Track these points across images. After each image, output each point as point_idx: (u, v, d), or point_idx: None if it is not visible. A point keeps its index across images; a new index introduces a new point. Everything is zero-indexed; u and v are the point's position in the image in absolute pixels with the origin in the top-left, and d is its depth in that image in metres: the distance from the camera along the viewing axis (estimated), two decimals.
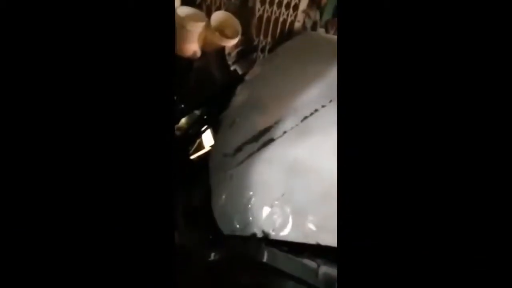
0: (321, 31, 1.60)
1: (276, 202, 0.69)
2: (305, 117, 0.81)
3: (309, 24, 1.65)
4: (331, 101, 0.82)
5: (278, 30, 1.66)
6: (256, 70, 1.12)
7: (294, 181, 0.71)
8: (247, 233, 0.67)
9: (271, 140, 0.78)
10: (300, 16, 1.68)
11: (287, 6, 1.67)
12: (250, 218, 0.68)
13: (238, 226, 0.68)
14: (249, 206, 0.69)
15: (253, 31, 1.65)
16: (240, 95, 0.99)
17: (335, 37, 1.45)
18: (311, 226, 0.66)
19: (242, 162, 0.76)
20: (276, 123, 0.81)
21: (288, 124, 0.80)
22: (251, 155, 0.76)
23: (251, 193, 0.70)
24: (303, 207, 0.68)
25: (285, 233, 0.66)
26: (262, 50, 1.69)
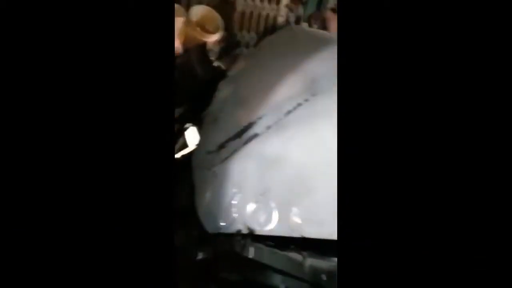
0: (304, 25, 1.60)
1: (261, 197, 0.68)
2: (289, 112, 0.81)
3: (292, 19, 1.65)
4: (314, 95, 0.82)
5: (262, 25, 1.65)
6: (239, 65, 1.11)
7: (278, 176, 0.71)
8: (233, 230, 0.66)
9: (255, 135, 0.78)
10: (283, 11, 1.68)
11: (270, 0, 1.66)
12: (235, 215, 0.68)
13: (223, 223, 0.67)
14: (234, 203, 0.68)
15: (236, 26, 1.63)
16: (223, 91, 0.98)
17: (318, 31, 1.45)
18: (296, 219, 0.66)
19: (226, 159, 0.75)
20: (260, 118, 0.81)
21: (271, 119, 0.79)
22: (235, 151, 0.76)
23: (235, 190, 0.70)
24: (287, 201, 0.68)
25: (270, 227, 0.66)
26: (246, 46, 1.67)
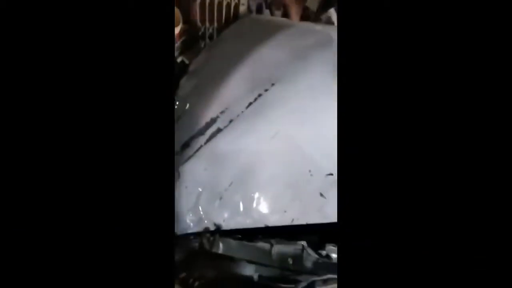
0: (266, 13, 1.58)
1: (225, 193, 0.69)
2: (250, 103, 0.81)
3: (253, 7, 1.62)
4: (273, 84, 0.82)
5: (224, 15, 1.61)
6: (199, 59, 1.08)
7: (240, 169, 0.71)
8: (200, 228, 0.67)
9: (219, 130, 0.77)
10: None
11: None
12: (202, 213, 0.68)
13: (190, 224, 0.67)
14: (199, 202, 0.68)
15: (197, 18, 1.58)
16: (184, 88, 0.95)
17: (278, 18, 1.43)
18: (260, 210, 0.67)
19: (189, 158, 0.74)
20: (222, 112, 0.80)
21: (233, 112, 0.79)
22: (198, 149, 0.75)
23: (200, 189, 0.69)
24: (250, 193, 0.69)
25: (236, 221, 0.67)
26: (210, 37, 1.63)
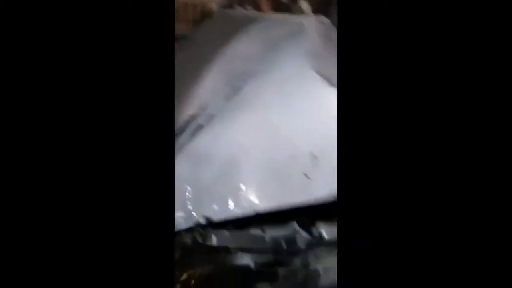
0: (239, 9, 1.58)
1: (212, 186, 0.69)
2: (229, 97, 0.82)
3: (224, 3, 1.62)
4: (249, 76, 0.83)
5: (197, 14, 1.61)
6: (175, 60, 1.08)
7: (225, 162, 0.72)
8: (191, 224, 0.67)
9: (200, 126, 0.77)
10: None
11: None
12: (191, 209, 0.68)
13: (181, 221, 0.67)
14: (187, 198, 0.69)
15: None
16: None
17: (250, 12, 1.44)
18: (249, 198, 0.68)
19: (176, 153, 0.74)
20: (202, 109, 0.80)
21: (213, 107, 0.79)
22: (182, 147, 0.75)
23: (187, 186, 0.70)
24: (237, 184, 0.70)
25: (226, 212, 0.68)
26: (184, 38, 1.62)
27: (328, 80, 0.75)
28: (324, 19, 1.05)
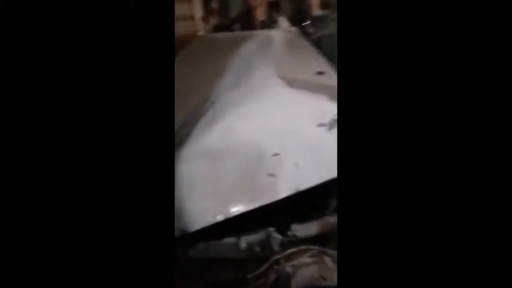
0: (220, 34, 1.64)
1: (184, 198, 0.70)
2: (203, 114, 0.85)
3: (210, 30, 1.71)
4: (220, 93, 0.87)
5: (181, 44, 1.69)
6: None
7: (196, 172, 0.74)
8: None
9: (178, 143, 0.81)
10: (200, 25, 1.74)
11: (184, 17, 1.71)
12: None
13: None
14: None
15: None
16: None
17: (224, 33, 1.51)
18: (218, 204, 0.69)
19: None
20: (180, 127, 0.84)
21: (189, 125, 0.83)
22: None
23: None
24: (206, 191, 0.71)
25: (198, 221, 0.68)
26: None
27: (289, 82, 0.79)
28: (292, 28, 1.10)
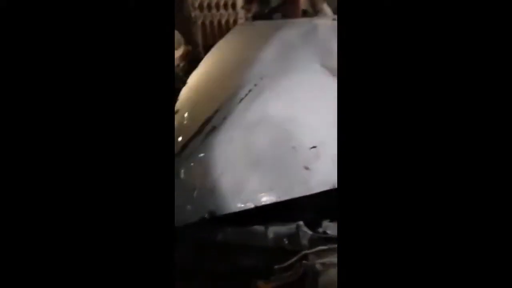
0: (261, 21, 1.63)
1: (217, 182, 0.71)
2: (241, 99, 0.85)
3: (250, 18, 1.69)
4: (261, 78, 0.86)
5: (224, 32, 1.71)
6: (198, 69, 1.16)
7: (230, 158, 0.73)
8: (196, 219, 0.69)
9: (213, 128, 0.81)
10: (241, 13, 1.73)
11: (225, 6, 1.72)
12: (197, 205, 0.70)
13: (189, 214, 0.70)
14: (195, 195, 0.71)
15: (199, 39, 1.69)
16: (183, 95, 1.03)
17: (267, 21, 1.48)
18: (250, 192, 0.68)
19: (187, 157, 0.78)
20: (216, 111, 0.85)
21: (226, 110, 0.83)
22: (196, 149, 0.79)
23: (195, 183, 0.73)
24: (239, 178, 0.70)
25: (228, 206, 0.68)
26: None
27: (332, 71, 0.75)
28: (336, 16, 1.05)
